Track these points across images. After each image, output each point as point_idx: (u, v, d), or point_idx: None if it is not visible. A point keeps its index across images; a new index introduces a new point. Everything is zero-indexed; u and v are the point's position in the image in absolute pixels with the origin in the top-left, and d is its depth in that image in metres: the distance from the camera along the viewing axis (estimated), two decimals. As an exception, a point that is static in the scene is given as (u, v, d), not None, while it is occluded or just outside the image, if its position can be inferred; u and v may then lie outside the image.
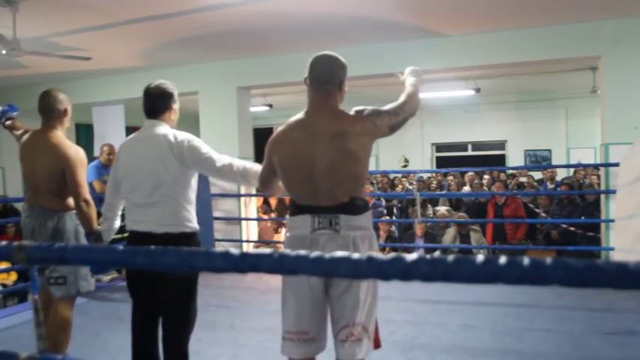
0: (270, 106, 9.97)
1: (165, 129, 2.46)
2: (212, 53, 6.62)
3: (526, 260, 0.67)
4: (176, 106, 2.59)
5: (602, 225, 5.55)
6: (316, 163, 2.00)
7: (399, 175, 9.80)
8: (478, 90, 8.82)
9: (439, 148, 12.17)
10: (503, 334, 3.44)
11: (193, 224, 2.46)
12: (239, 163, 2.50)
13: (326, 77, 2.12)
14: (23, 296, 5.68)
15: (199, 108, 7.19)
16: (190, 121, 6.80)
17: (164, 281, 2.35)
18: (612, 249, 5.05)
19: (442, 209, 7.45)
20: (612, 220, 5.05)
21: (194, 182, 2.49)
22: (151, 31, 5.50)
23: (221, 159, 2.46)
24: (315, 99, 2.12)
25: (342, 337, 2.00)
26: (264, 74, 6.91)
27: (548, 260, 0.66)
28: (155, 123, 2.49)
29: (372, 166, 11.81)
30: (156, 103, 2.53)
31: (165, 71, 7.35)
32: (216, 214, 6.42)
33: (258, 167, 2.42)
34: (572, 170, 8.76)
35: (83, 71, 6.98)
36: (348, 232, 1.99)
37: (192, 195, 2.48)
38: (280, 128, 2.15)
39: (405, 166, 11.89)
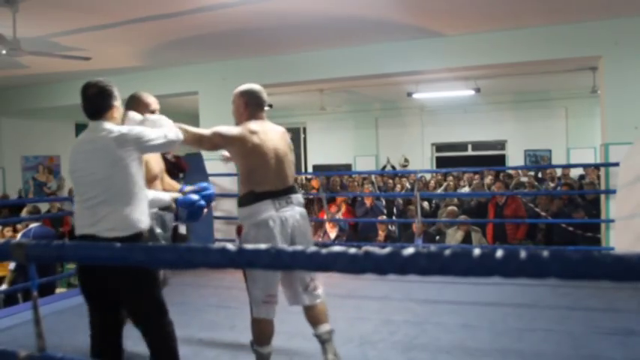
0: (270, 106, 9.95)
1: (108, 127, 2.39)
2: (212, 53, 6.63)
3: (523, 253, 0.67)
4: (118, 103, 2.49)
5: (603, 225, 5.55)
6: (278, 154, 2.70)
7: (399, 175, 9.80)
8: (478, 90, 8.82)
9: (439, 148, 12.16)
10: (503, 334, 3.44)
11: (141, 225, 2.38)
12: (174, 132, 2.51)
13: (265, 101, 2.87)
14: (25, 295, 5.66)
15: (199, 108, 7.20)
16: (190, 121, 6.79)
17: (114, 278, 2.31)
18: (612, 249, 5.05)
19: (451, 207, 7.39)
20: (612, 220, 5.05)
21: (140, 178, 2.41)
22: (151, 31, 5.50)
23: (160, 134, 2.43)
24: (259, 113, 2.81)
25: (312, 288, 2.75)
26: (264, 74, 6.91)
27: (545, 253, 0.66)
28: (98, 124, 2.41)
29: (372, 166, 11.82)
30: (95, 103, 2.45)
31: (166, 71, 7.35)
32: (216, 214, 6.42)
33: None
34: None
35: (83, 71, 6.98)
36: (298, 207, 2.74)
37: (140, 192, 2.40)
38: (251, 126, 2.69)
39: (405, 166, 11.88)
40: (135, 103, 2.97)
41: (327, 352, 2.78)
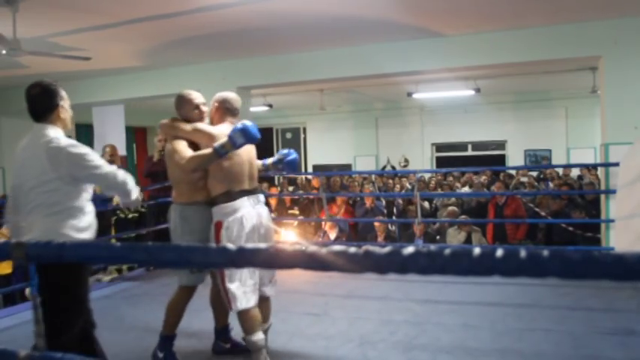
0: (270, 106, 9.97)
1: (49, 133, 2.30)
2: (212, 53, 6.63)
3: (523, 253, 0.67)
4: (64, 103, 2.40)
5: (602, 225, 5.55)
6: (249, 157, 3.02)
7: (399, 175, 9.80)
8: (478, 90, 8.83)
9: (439, 148, 12.17)
10: (503, 334, 3.44)
11: (69, 237, 2.27)
12: (123, 173, 2.45)
13: (235, 108, 3.11)
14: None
15: (199, 108, 7.19)
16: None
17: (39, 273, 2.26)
18: (612, 249, 5.05)
19: (452, 207, 7.39)
20: (612, 220, 5.05)
21: (71, 192, 2.31)
22: (151, 31, 5.50)
23: (106, 166, 2.35)
24: (228, 117, 3.07)
25: (274, 281, 3.08)
26: (264, 74, 6.91)
27: (545, 252, 0.66)
28: (41, 127, 2.32)
29: (372, 166, 11.83)
30: (38, 103, 2.35)
31: (166, 71, 7.36)
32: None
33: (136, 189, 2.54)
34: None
35: (83, 71, 6.99)
36: (264, 205, 3.05)
37: (71, 206, 2.30)
38: (222, 128, 2.92)
39: (405, 166, 11.89)
40: (180, 103, 3.06)
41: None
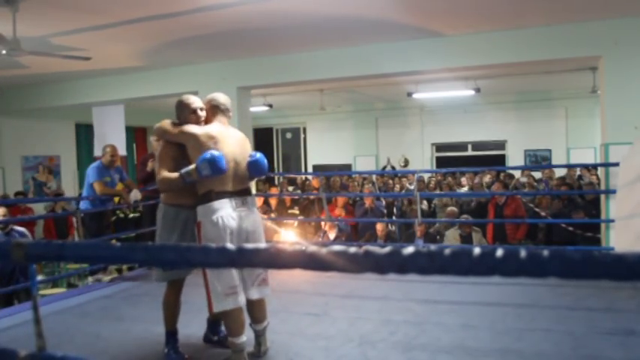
0: (270, 106, 9.98)
1: None
2: (212, 53, 6.63)
3: (523, 253, 0.67)
4: None
5: (602, 225, 5.55)
6: (235, 158, 2.96)
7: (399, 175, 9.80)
8: (478, 90, 8.83)
9: (439, 148, 12.17)
10: (503, 334, 3.43)
11: None
12: None
13: (222, 104, 3.12)
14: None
15: (199, 108, 7.19)
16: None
17: None
18: (612, 249, 5.05)
19: (451, 207, 7.40)
20: (612, 220, 5.05)
21: None
22: (151, 31, 5.50)
23: None
24: (223, 118, 3.10)
25: (259, 282, 2.97)
26: (264, 74, 6.91)
27: (545, 252, 0.66)
28: None
29: (372, 166, 11.83)
30: None
31: (166, 71, 7.36)
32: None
33: None
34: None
35: (83, 71, 6.98)
36: (253, 207, 3.02)
37: None
38: (208, 129, 2.96)
39: (404, 166, 11.89)
40: (179, 108, 3.12)
41: (262, 344, 3.07)
